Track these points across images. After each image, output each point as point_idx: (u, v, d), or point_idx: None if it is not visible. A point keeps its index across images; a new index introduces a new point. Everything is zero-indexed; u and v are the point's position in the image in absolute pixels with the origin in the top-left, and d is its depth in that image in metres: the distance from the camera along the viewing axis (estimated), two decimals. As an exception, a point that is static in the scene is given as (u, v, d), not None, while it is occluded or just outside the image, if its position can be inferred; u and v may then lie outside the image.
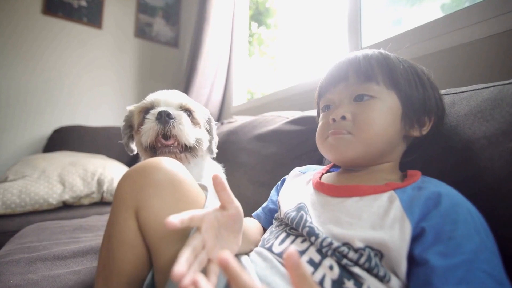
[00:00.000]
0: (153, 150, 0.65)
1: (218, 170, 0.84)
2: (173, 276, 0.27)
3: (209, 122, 0.78)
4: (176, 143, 0.64)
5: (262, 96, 1.69)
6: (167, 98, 0.67)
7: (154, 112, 0.62)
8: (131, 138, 0.75)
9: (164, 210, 0.42)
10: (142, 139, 0.63)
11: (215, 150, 0.79)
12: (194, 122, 0.70)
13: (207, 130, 0.76)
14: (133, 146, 0.74)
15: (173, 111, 0.62)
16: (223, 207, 0.37)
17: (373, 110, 0.44)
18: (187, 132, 0.64)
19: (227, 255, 0.24)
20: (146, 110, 0.66)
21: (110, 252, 0.43)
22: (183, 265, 0.30)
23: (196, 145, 0.67)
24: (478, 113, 0.46)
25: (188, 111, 0.69)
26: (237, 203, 0.38)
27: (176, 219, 0.31)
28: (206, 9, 1.91)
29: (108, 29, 2.31)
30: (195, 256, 0.33)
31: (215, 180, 0.36)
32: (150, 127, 0.62)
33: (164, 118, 0.61)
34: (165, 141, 0.63)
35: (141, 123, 0.65)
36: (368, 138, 0.43)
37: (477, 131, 0.45)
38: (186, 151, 0.67)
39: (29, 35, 2.00)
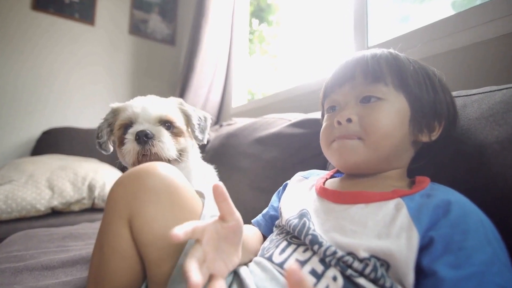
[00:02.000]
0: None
1: (209, 172, 0.86)
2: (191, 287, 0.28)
3: (204, 121, 0.81)
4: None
5: (263, 97, 1.70)
6: (145, 113, 0.69)
7: (133, 132, 0.66)
8: (109, 137, 0.78)
9: (159, 218, 0.42)
10: (126, 159, 0.67)
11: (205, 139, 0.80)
12: (175, 132, 0.73)
13: (197, 129, 0.78)
14: (110, 146, 0.78)
15: (151, 129, 0.67)
16: (222, 218, 0.37)
17: (380, 113, 0.44)
18: (167, 147, 0.68)
19: None
20: (125, 126, 0.70)
21: (102, 262, 0.44)
22: (199, 275, 0.30)
23: (178, 157, 0.71)
24: (490, 117, 0.47)
25: (169, 122, 0.72)
26: (237, 214, 0.38)
27: (180, 231, 0.32)
28: (205, 4, 1.92)
29: (101, 25, 2.33)
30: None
31: (216, 190, 0.36)
32: (130, 148, 0.66)
33: (143, 139, 0.65)
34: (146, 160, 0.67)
35: (122, 141, 0.68)
36: (374, 142, 0.44)
37: (489, 136, 0.45)
38: (169, 162, 0.70)
39: (18, 32, 2.02)
